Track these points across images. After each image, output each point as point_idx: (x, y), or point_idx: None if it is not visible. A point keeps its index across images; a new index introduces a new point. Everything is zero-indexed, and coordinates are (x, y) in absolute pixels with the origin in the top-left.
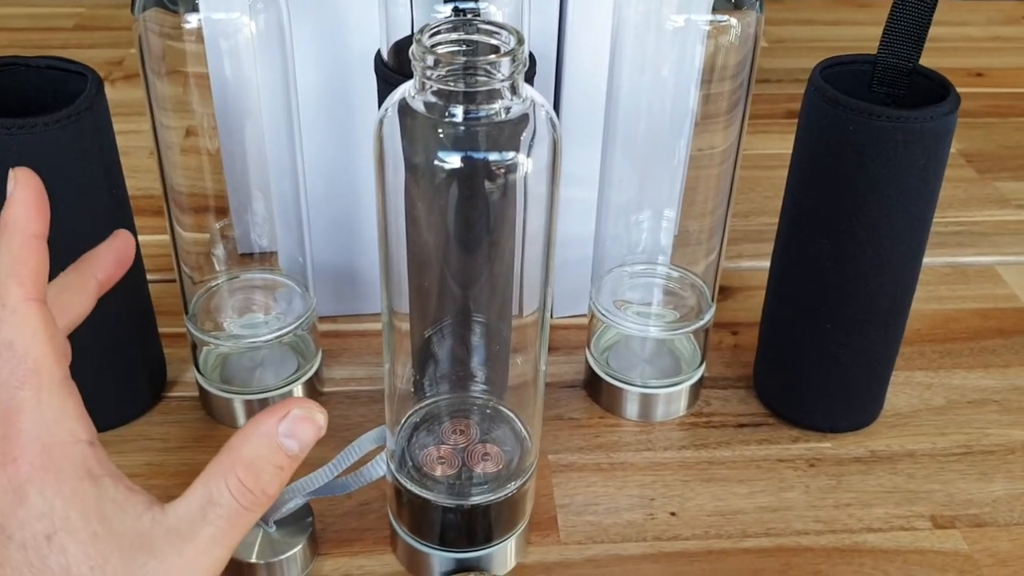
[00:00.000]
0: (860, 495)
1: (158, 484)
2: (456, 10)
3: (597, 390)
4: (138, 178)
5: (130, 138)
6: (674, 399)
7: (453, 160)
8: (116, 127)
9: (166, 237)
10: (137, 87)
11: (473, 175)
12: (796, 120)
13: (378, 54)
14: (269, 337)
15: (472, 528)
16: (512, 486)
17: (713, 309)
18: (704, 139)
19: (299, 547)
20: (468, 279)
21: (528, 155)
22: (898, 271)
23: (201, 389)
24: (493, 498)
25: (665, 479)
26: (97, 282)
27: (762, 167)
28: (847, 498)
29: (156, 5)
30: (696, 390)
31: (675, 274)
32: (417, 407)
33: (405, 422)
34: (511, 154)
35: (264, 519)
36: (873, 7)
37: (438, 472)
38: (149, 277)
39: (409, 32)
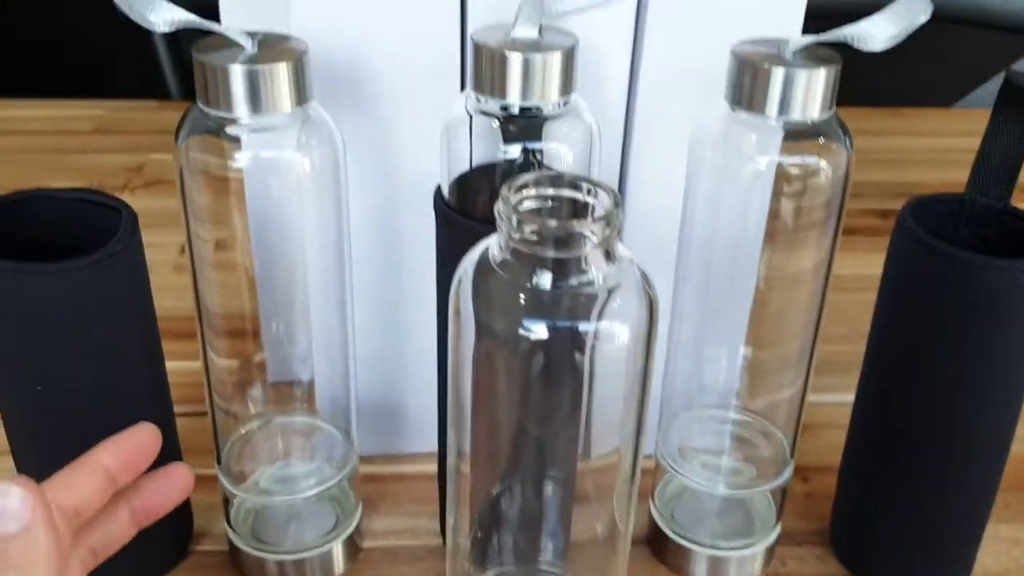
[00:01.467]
0: None
1: None
2: (525, 150)
3: (662, 548)
4: (163, 297)
5: (153, 252)
6: (747, 562)
7: (538, 329)
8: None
9: (194, 364)
10: (158, 195)
11: (557, 343)
12: (857, 236)
13: (438, 191)
14: (308, 494)
15: None
16: None
17: (791, 467)
18: (781, 275)
19: None
20: (539, 454)
21: (621, 321)
22: (998, 422)
23: (231, 544)
24: None
25: None
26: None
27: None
28: None
29: (203, 132)
30: (771, 551)
31: (749, 421)
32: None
33: None
34: (602, 323)
35: None
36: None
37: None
38: (177, 410)
39: (468, 167)
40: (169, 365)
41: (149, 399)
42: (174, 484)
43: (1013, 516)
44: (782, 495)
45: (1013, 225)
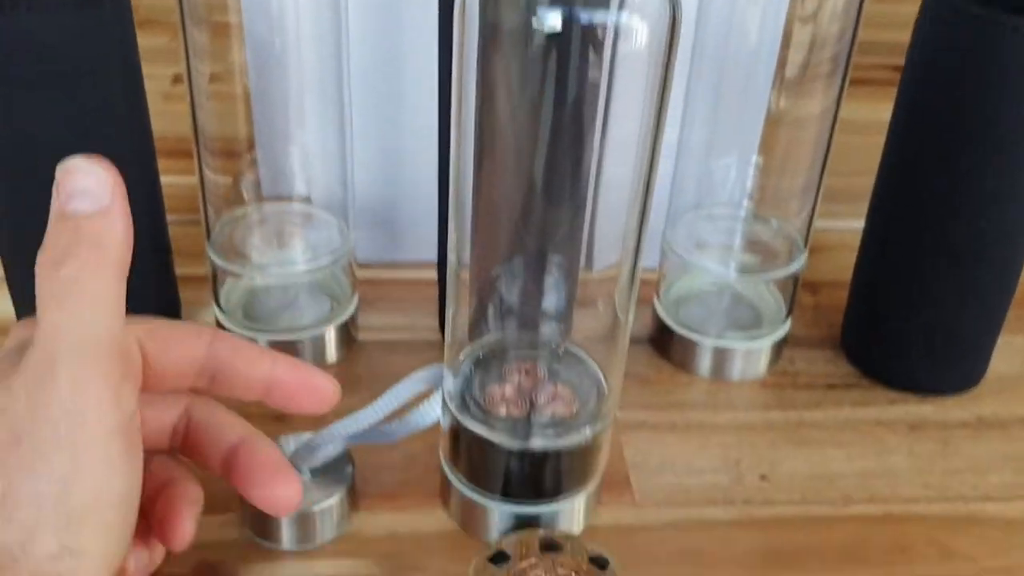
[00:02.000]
0: (972, 461)
1: None
2: None
3: (666, 345)
4: (153, 122)
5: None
6: (754, 357)
7: (552, 18)
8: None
9: (185, 179)
10: (152, 34)
11: (571, 38)
12: (859, 86)
13: None
14: (302, 269)
15: (538, 477)
16: (587, 431)
17: (805, 255)
18: (801, 99)
19: (336, 498)
20: (548, 195)
21: (643, 19)
22: (1018, 207)
23: (221, 328)
24: (564, 443)
25: (750, 440)
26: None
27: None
28: (958, 464)
29: None
30: (779, 348)
31: (761, 219)
32: (479, 344)
33: (465, 359)
34: (623, 15)
35: (297, 466)
36: None
37: (503, 412)
38: (169, 217)
39: None
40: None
41: (133, 156)
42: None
43: None
44: (792, 290)
45: None
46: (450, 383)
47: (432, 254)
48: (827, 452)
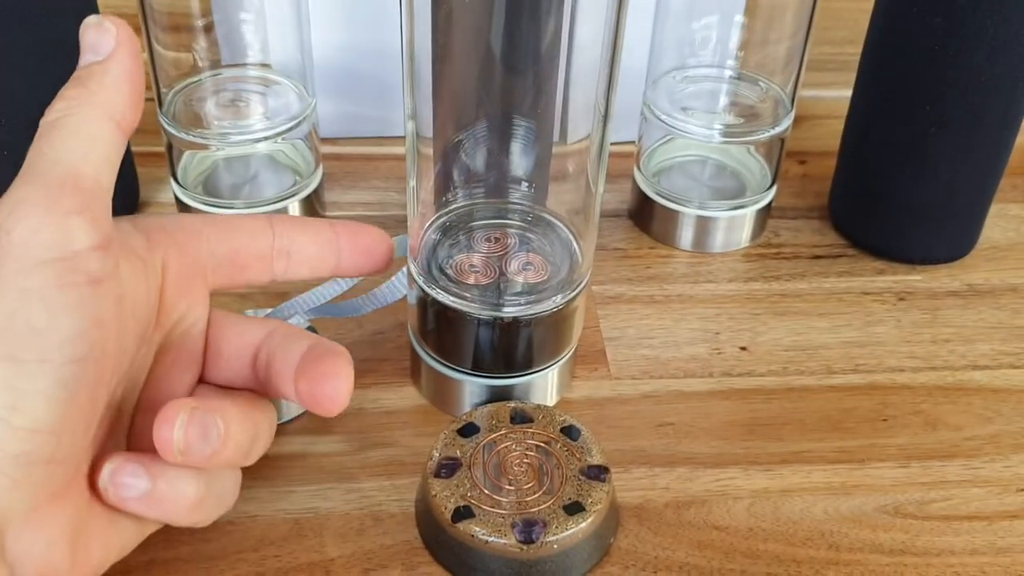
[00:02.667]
0: (960, 330)
1: None
2: None
3: (647, 216)
4: None
5: None
6: (737, 225)
7: None
8: None
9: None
10: None
11: None
12: None
13: None
14: (262, 135)
15: (510, 349)
16: (559, 299)
17: (792, 116)
18: None
19: None
20: (509, 63)
21: None
22: (1015, 66)
23: (180, 205)
24: (536, 311)
25: (731, 312)
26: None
27: None
28: (946, 333)
29: None
30: (763, 218)
31: (746, 80)
32: (445, 211)
33: (430, 227)
34: None
35: None
36: None
37: (471, 280)
38: None
39: None
40: None
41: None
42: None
43: (1021, 196)
44: (778, 156)
45: None
46: (415, 253)
47: (402, 128)
48: (810, 323)
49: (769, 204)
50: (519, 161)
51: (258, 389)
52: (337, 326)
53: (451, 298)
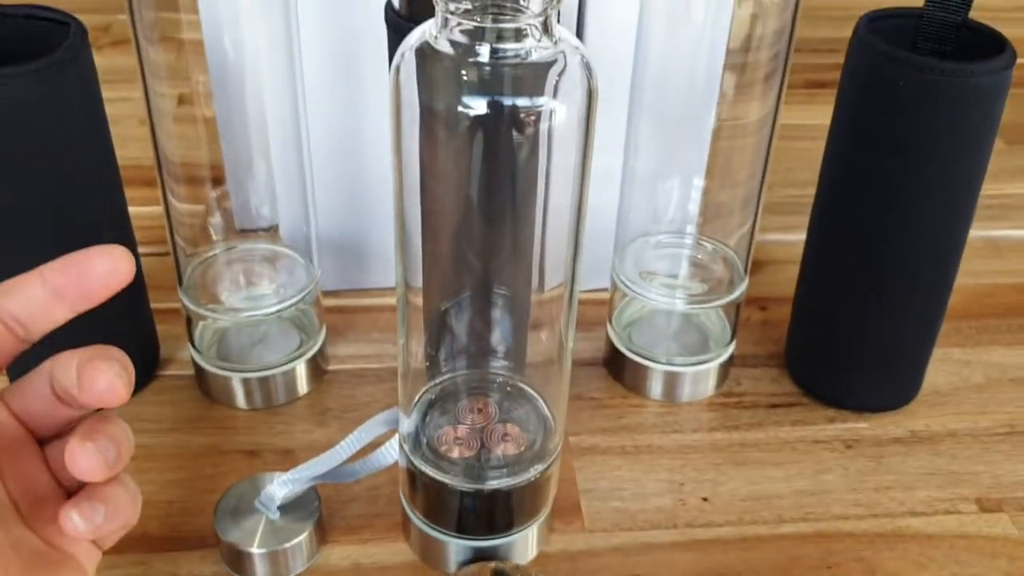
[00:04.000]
0: (901, 477)
1: (151, 467)
2: None
3: (619, 368)
4: (129, 148)
5: (120, 106)
6: (702, 378)
7: (478, 105)
8: (105, 94)
9: (158, 208)
10: (126, 54)
11: (499, 121)
12: (818, 91)
13: (388, 3)
14: (271, 310)
15: (491, 514)
16: (535, 470)
17: (746, 283)
18: (739, 108)
19: (304, 535)
20: (489, 241)
21: (560, 101)
22: (947, 236)
23: (197, 367)
24: (514, 482)
25: (695, 463)
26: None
27: (785, 137)
28: (888, 480)
29: None
30: (725, 369)
31: (705, 245)
32: (432, 384)
33: (419, 400)
34: (541, 99)
35: (267, 506)
36: None
37: (455, 454)
38: (141, 250)
39: None
40: (133, 210)
41: (107, 221)
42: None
43: (964, 341)
44: (736, 314)
45: (970, 40)
46: (404, 425)
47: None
48: (766, 472)
49: (730, 357)
50: (499, 331)
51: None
52: (335, 484)
53: (436, 472)
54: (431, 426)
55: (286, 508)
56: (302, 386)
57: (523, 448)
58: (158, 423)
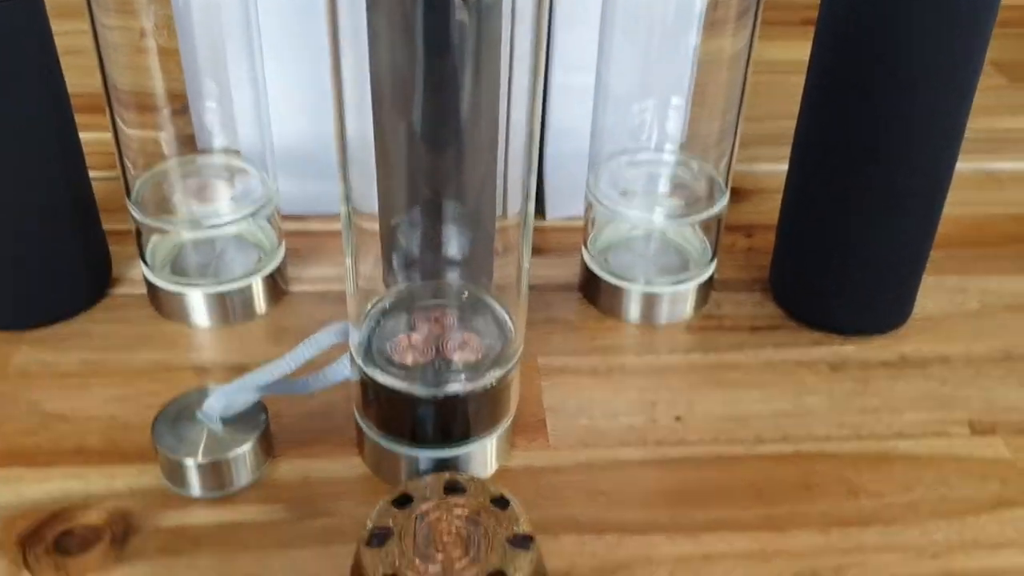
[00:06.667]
0: (889, 400)
1: (94, 383)
2: None
3: (594, 291)
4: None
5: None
6: (680, 300)
7: None
8: (65, 27)
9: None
10: None
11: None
12: (810, 27)
13: None
14: (225, 221)
15: (448, 423)
16: (492, 375)
17: (727, 197)
18: (714, 40)
19: (248, 446)
20: (443, 137)
21: None
22: (936, 157)
23: (149, 285)
24: (472, 387)
25: (669, 383)
26: None
27: (778, 71)
28: (874, 403)
29: None
30: (706, 291)
31: (684, 163)
32: (385, 296)
33: (372, 310)
34: None
35: (208, 417)
36: None
37: (409, 360)
38: (93, 175)
39: None
40: (86, 135)
41: (56, 147)
42: None
43: (959, 268)
44: (716, 232)
45: None
46: (355, 336)
47: (365, 204)
48: (744, 393)
49: (710, 278)
50: (454, 243)
51: None
52: (290, 398)
53: (390, 379)
54: (383, 335)
55: (231, 421)
56: (260, 305)
57: (481, 355)
58: (104, 340)
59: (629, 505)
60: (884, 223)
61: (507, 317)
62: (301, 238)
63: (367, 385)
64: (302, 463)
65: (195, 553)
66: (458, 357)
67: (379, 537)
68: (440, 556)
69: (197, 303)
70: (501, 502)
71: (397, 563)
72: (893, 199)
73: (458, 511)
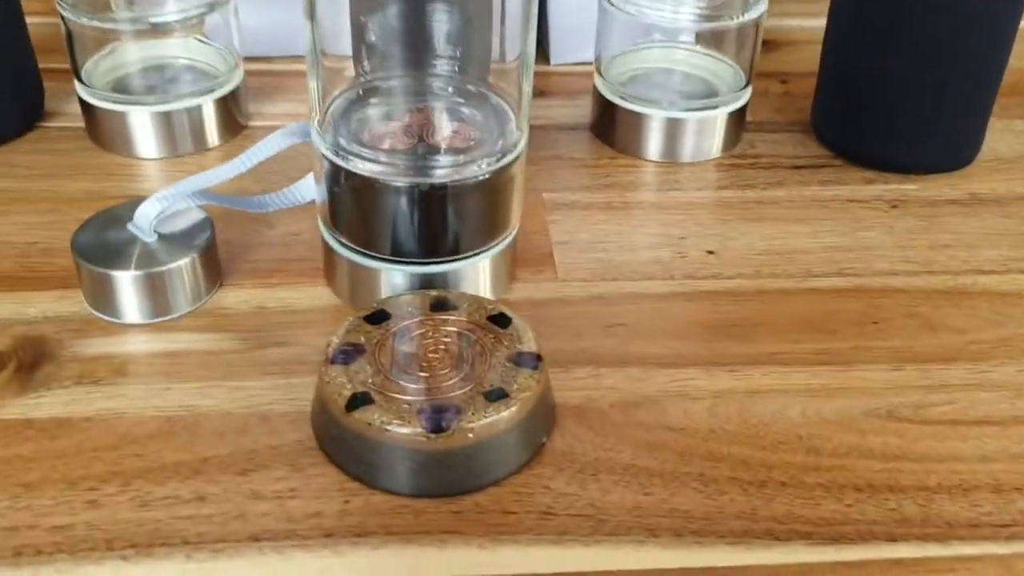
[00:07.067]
0: (962, 236)
1: (11, 210)
2: None
3: (609, 125)
4: None
5: None
6: (708, 131)
7: None
8: None
9: None
10: None
11: None
12: None
13: None
14: (173, 17)
15: (434, 226)
16: (486, 165)
17: (764, 5)
18: None
19: (188, 260)
20: None
21: None
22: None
23: (86, 107)
24: (461, 177)
25: (698, 218)
26: None
27: None
28: (945, 239)
29: None
30: (737, 124)
31: None
32: (356, 84)
33: (339, 97)
34: None
35: (141, 229)
36: None
37: (386, 145)
38: (31, 20)
39: None
40: None
41: None
42: None
43: None
44: (752, 52)
45: None
46: (318, 133)
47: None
48: (788, 228)
49: (744, 107)
50: (448, 26)
51: None
52: (244, 226)
53: (364, 164)
54: (356, 124)
55: (170, 238)
56: (212, 135)
57: (472, 144)
58: (29, 169)
59: (655, 338)
60: (947, 55)
61: (506, 106)
62: (265, 77)
63: (337, 185)
64: (257, 292)
65: (119, 382)
66: (446, 144)
67: (347, 354)
68: (424, 374)
69: (141, 125)
70: (501, 319)
71: (371, 380)
72: (965, 19)
73: (448, 328)
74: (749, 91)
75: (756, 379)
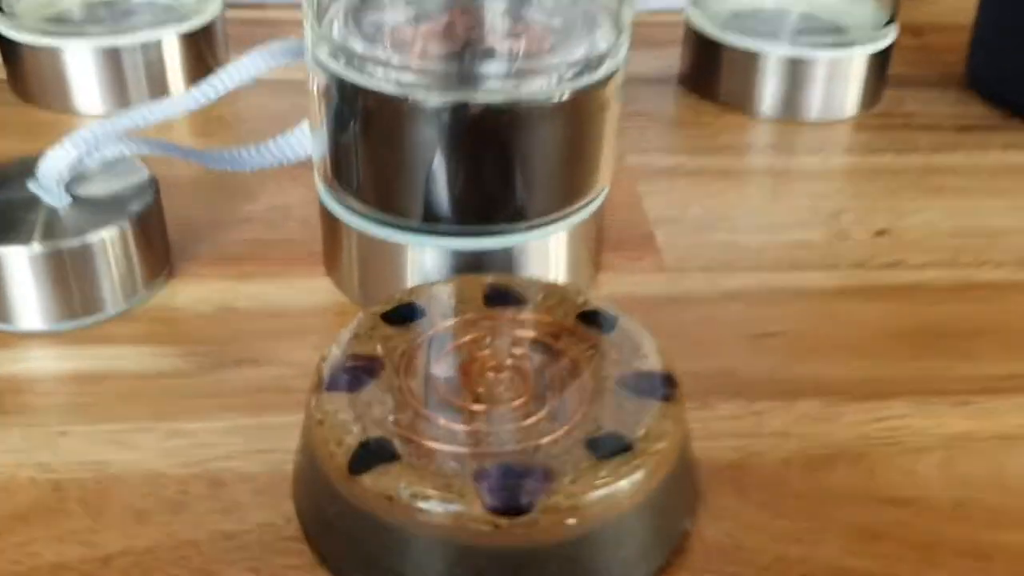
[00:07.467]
0: None
1: None
2: None
3: (709, 74)
4: None
5: None
6: (840, 75)
7: None
8: None
9: None
10: None
11: None
12: None
13: None
14: None
15: (485, 179)
16: (566, 79)
17: None
18: None
19: (113, 232)
20: None
21: None
22: None
23: (6, 45)
24: (529, 98)
25: (856, 188)
26: None
27: None
28: None
29: None
30: (878, 73)
31: None
32: None
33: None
34: None
35: (45, 188)
36: None
37: (416, 51)
38: None
39: None
40: None
41: None
42: None
43: None
44: None
45: None
46: (320, 38)
47: None
48: (980, 203)
49: (887, 50)
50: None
51: None
52: (210, 194)
53: (387, 75)
54: (371, 27)
55: (90, 202)
56: (177, 78)
57: (548, 48)
58: None
59: (830, 355)
60: None
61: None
62: (253, 26)
63: (342, 125)
64: (221, 286)
65: (8, 422)
66: (509, 47)
67: (354, 373)
68: (480, 407)
69: (80, 66)
70: (599, 320)
71: (392, 419)
72: None
73: (516, 333)
74: (894, 30)
75: (1002, 416)
